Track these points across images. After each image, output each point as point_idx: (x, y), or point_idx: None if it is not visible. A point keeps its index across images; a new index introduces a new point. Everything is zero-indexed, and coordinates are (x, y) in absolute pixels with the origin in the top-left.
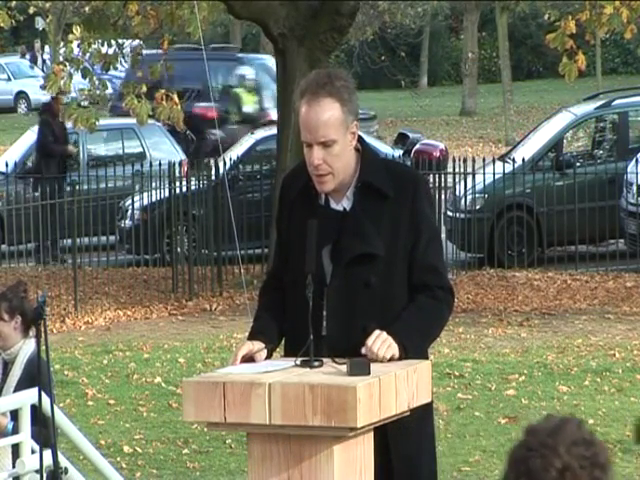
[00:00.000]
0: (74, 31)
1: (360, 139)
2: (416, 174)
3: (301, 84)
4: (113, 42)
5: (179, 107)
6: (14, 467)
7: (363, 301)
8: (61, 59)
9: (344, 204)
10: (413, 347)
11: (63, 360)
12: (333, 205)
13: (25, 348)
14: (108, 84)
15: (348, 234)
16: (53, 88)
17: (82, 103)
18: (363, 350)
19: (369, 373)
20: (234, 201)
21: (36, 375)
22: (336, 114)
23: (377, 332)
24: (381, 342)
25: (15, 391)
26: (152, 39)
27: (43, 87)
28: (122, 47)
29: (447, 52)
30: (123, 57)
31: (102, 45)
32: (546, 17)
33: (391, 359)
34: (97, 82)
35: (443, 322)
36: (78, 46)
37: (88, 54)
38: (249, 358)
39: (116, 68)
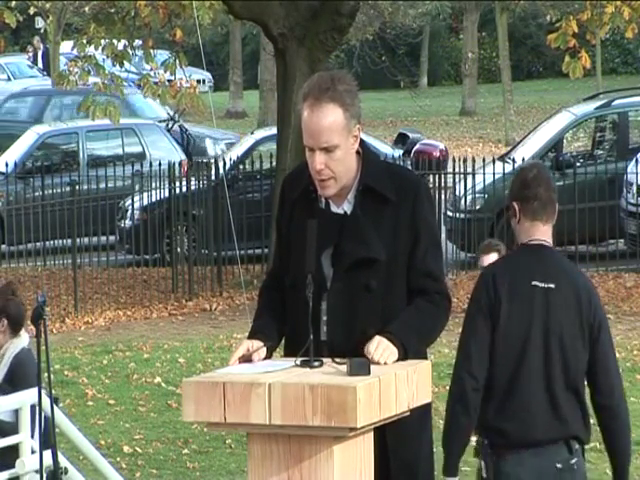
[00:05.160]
0: (87, 30)
1: (361, 141)
2: (417, 178)
3: (304, 87)
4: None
5: (197, 92)
6: (14, 467)
7: (363, 305)
8: (63, 58)
9: (345, 207)
10: (412, 349)
11: (63, 360)
12: (334, 208)
13: (12, 347)
14: (121, 78)
15: (349, 238)
16: (70, 83)
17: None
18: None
19: (369, 373)
20: (234, 201)
21: (38, 375)
22: (338, 119)
23: (378, 338)
24: (382, 349)
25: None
26: (162, 32)
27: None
28: (133, 42)
29: (447, 52)
30: (134, 53)
31: (111, 41)
32: (547, 18)
33: None
34: (109, 76)
35: (440, 327)
36: (88, 42)
37: (100, 48)
38: (247, 359)
39: (130, 61)
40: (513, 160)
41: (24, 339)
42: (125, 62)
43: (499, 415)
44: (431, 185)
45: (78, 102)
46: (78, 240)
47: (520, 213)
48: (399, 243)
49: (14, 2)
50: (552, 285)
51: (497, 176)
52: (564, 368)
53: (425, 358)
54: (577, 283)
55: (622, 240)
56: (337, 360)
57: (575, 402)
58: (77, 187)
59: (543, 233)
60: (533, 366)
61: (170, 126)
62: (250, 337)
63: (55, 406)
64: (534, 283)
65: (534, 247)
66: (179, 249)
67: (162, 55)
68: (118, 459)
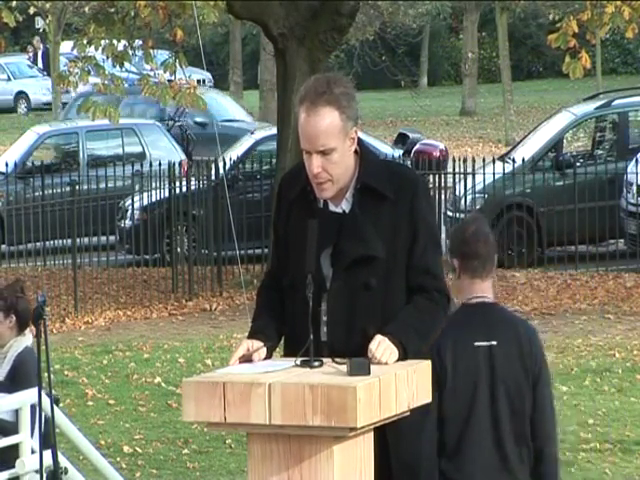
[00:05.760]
0: (87, 30)
1: (359, 140)
2: (416, 175)
3: (300, 90)
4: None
5: (197, 91)
6: (14, 467)
7: (363, 303)
8: (63, 58)
9: (343, 206)
10: (412, 348)
11: (63, 360)
12: (332, 207)
13: (15, 345)
14: (122, 78)
15: (348, 236)
16: (70, 84)
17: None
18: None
19: (369, 373)
20: (234, 201)
21: (38, 375)
22: (335, 122)
23: (379, 337)
24: (384, 348)
25: (1, 386)
26: (162, 32)
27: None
28: (133, 43)
29: (447, 52)
30: (134, 53)
31: (111, 41)
32: (550, 17)
33: None
34: (109, 77)
35: (439, 324)
36: (88, 42)
37: (100, 49)
38: (247, 359)
39: (131, 62)
40: (513, 160)
41: (28, 338)
42: (125, 62)
43: (450, 470)
44: (431, 185)
45: (149, 101)
46: (78, 240)
47: (460, 270)
48: (398, 240)
49: (14, 2)
50: (494, 342)
51: (497, 176)
52: (513, 419)
53: (426, 358)
54: (518, 334)
55: (622, 240)
56: (337, 360)
57: (524, 450)
58: (77, 187)
59: (483, 290)
60: (481, 425)
61: (170, 125)
62: (250, 337)
63: (55, 406)
64: (477, 344)
65: (475, 306)
66: (179, 249)
67: (162, 55)
68: (118, 459)
